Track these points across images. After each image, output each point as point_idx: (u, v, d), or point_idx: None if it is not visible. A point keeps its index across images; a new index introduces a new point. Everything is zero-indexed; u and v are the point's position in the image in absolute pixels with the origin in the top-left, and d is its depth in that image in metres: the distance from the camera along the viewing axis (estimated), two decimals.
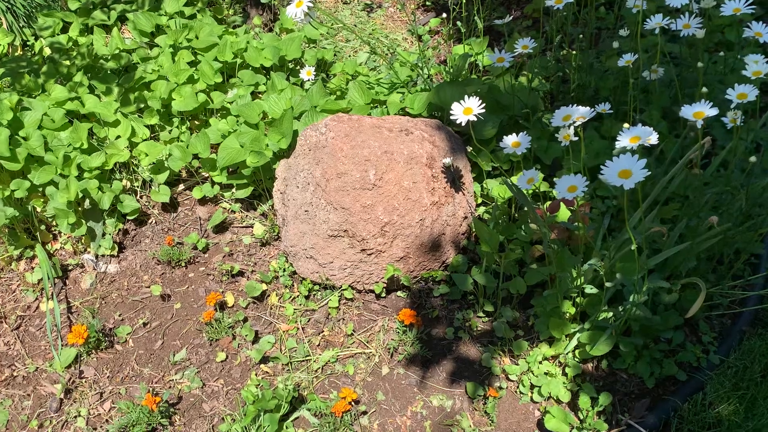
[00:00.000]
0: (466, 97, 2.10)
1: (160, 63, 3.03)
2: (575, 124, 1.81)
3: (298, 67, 3.20)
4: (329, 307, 2.43)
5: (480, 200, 2.74)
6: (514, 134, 2.06)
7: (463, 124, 2.07)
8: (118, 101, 2.85)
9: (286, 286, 2.52)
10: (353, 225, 2.31)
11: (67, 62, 3.07)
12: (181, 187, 2.90)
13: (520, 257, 2.40)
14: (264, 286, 2.51)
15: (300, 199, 2.42)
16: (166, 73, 2.94)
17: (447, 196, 2.44)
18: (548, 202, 2.54)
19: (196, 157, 2.80)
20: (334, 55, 3.45)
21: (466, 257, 2.54)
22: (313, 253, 2.40)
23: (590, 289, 2.14)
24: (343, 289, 2.44)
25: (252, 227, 2.74)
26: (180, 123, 2.87)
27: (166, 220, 2.80)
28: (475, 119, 2.06)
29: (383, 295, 2.48)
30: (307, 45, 3.39)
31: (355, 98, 2.81)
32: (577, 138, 1.87)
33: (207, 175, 2.83)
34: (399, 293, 2.49)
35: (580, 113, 1.82)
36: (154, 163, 2.75)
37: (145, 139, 2.81)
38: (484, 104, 2.08)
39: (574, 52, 2.76)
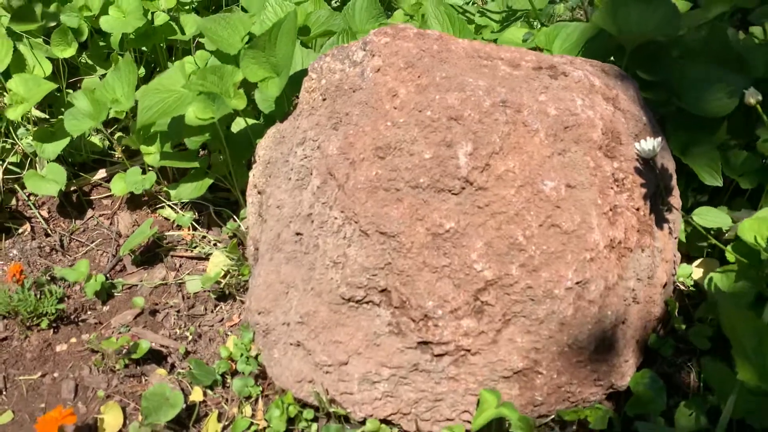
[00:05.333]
0: None
1: None
2: None
3: None
4: None
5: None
6: None
7: None
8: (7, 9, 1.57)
9: (246, 400, 1.13)
10: (404, 278, 0.91)
11: None
12: (101, 174, 1.58)
13: None
14: (197, 395, 1.13)
15: (289, 206, 1.04)
16: None
17: (642, 232, 1.00)
18: None
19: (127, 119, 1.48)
20: None
21: (656, 373, 1.09)
22: (305, 335, 1.00)
23: None
24: (368, 431, 1.02)
25: (207, 259, 1.37)
26: (116, 62, 1.55)
27: (57, 231, 1.48)
28: None
29: None
30: None
31: (434, 29, 1.43)
32: None
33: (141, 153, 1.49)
34: None
35: None
36: (36, 123, 1.43)
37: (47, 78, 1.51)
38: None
39: None
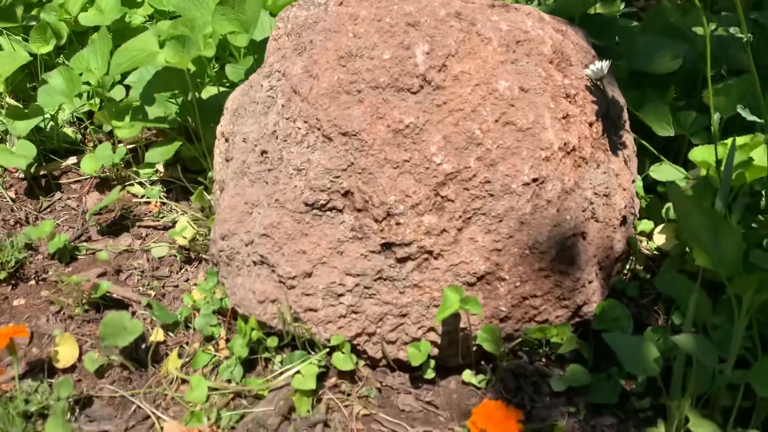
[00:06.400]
0: None
1: None
2: None
3: None
4: (294, 390, 0.98)
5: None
6: None
7: None
8: None
9: (207, 340, 1.10)
10: (366, 176, 0.93)
11: None
12: (72, 160, 1.59)
13: None
14: (158, 335, 1.10)
15: (255, 133, 1.07)
16: None
17: (595, 148, 1.04)
18: None
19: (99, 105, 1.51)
20: None
21: (626, 307, 1.09)
22: (269, 248, 0.99)
23: None
24: (333, 347, 1.00)
25: (174, 226, 1.37)
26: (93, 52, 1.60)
27: (22, 210, 1.47)
28: None
29: (428, 375, 1.03)
30: None
31: None
32: None
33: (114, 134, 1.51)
34: (467, 375, 1.03)
35: None
36: (6, 107, 1.46)
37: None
38: None
39: None
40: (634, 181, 1.20)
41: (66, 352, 1.04)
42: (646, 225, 1.33)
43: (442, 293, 0.96)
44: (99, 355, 1.02)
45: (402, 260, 0.95)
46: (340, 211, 0.96)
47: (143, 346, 1.09)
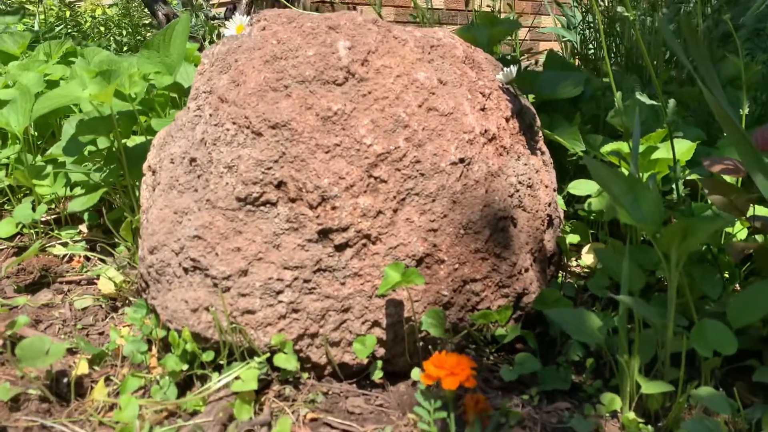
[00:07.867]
0: None
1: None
2: None
3: None
4: (234, 396, 0.91)
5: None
6: None
7: None
8: None
9: (136, 365, 1.02)
10: (298, 163, 0.94)
11: None
12: None
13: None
14: (82, 368, 1.01)
15: (182, 148, 1.07)
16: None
17: (514, 142, 1.09)
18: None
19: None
20: None
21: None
22: (201, 251, 0.96)
23: None
24: (274, 349, 0.95)
25: (97, 280, 1.30)
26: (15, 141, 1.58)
27: None
28: None
29: (375, 376, 0.99)
30: None
31: None
32: None
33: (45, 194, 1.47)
34: (415, 373, 0.99)
35: None
36: None
37: None
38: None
39: None
40: (555, 190, 1.25)
41: None
42: (573, 238, 1.38)
43: (383, 271, 0.94)
44: (13, 386, 0.93)
45: (340, 247, 0.94)
46: (274, 204, 0.95)
47: (65, 380, 1.00)
